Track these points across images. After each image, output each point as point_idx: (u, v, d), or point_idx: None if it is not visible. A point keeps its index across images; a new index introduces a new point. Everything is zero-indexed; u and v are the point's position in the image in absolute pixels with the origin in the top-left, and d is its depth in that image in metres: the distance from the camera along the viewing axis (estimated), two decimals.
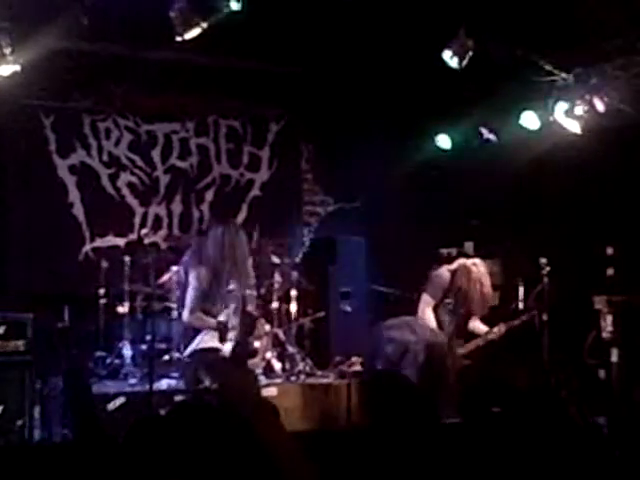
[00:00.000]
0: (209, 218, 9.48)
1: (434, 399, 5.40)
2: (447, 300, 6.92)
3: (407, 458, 3.12)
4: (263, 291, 8.02)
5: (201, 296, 6.25)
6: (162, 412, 5.90)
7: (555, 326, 7.36)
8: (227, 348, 6.16)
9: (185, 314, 6.31)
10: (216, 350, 6.19)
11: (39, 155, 8.85)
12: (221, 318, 6.23)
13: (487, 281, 6.98)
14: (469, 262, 7.02)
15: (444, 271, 7.05)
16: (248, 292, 6.42)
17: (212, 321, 6.25)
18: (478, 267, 6.96)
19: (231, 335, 6.20)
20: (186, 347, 6.38)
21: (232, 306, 6.22)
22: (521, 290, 7.79)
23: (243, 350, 6.30)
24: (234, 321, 6.20)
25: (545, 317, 7.33)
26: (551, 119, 7.81)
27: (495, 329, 7.00)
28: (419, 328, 6.60)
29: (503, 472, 3.32)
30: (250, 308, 6.64)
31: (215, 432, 2.94)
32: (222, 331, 6.20)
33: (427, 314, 6.83)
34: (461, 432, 3.65)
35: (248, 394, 4.64)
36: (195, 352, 6.29)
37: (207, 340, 6.24)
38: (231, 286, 6.25)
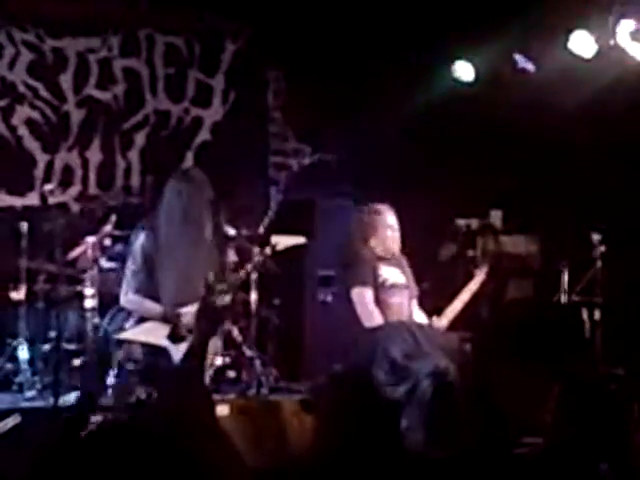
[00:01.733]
0: (142, 171, 9.49)
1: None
2: (380, 278, 6.99)
3: None
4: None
5: (141, 270, 6.28)
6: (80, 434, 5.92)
7: (611, 326, 7.45)
8: (178, 350, 6.19)
9: (120, 296, 6.38)
10: (158, 350, 6.20)
11: None
12: (183, 310, 6.21)
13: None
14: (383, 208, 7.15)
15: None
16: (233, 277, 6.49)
17: (157, 308, 6.25)
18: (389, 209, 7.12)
19: (188, 334, 6.19)
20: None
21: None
22: (565, 277, 7.87)
23: (198, 355, 6.35)
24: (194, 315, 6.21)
25: (597, 315, 7.42)
26: (611, 43, 7.84)
27: (478, 272, 7.17)
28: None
29: None
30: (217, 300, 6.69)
31: (145, 467, 2.97)
32: (176, 326, 6.19)
33: (371, 310, 6.86)
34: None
35: (200, 419, 4.65)
36: (123, 342, 6.33)
37: (147, 332, 6.26)
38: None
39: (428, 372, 6.14)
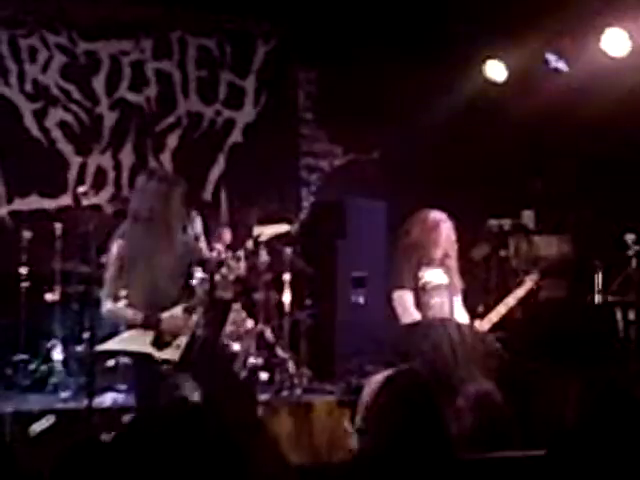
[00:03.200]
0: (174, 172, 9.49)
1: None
2: (421, 280, 6.95)
3: None
4: (244, 275, 8.03)
5: (118, 276, 6.02)
6: (105, 437, 5.92)
7: None
8: (163, 356, 5.96)
9: (102, 303, 6.11)
10: (145, 357, 5.94)
11: None
12: (164, 315, 5.97)
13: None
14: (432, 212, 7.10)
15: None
16: (218, 275, 6.28)
17: (138, 315, 5.96)
18: (442, 218, 7.05)
19: (172, 339, 5.97)
20: None
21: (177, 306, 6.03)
22: (599, 277, 7.81)
23: (216, 348, 6.28)
24: (178, 319, 5.97)
25: (632, 315, 7.36)
26: None
27: (528, 280, 7.08)
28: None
29: None
30: (223, 294, 6.62)
31: (190, 464, 2.94)
32: (159, 332, 5.94)
33: (411, 313, 6.82)
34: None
35: (244, 415, 4.64)
36: (95, 352, 6.22)
37: (130, 341, 6.02)
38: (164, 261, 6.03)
39: (471, 394, 6.11)
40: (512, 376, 6.53)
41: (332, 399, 7.73)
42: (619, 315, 7.90)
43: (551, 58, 8.63)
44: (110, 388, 7.33)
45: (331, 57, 9.83)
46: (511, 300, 6.95)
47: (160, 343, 5.96)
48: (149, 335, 5.96)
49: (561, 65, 8.60)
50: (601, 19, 8.10)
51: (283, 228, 8.28)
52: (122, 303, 6.01)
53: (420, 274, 6.78)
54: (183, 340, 6.00)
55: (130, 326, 6.00)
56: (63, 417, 6.75)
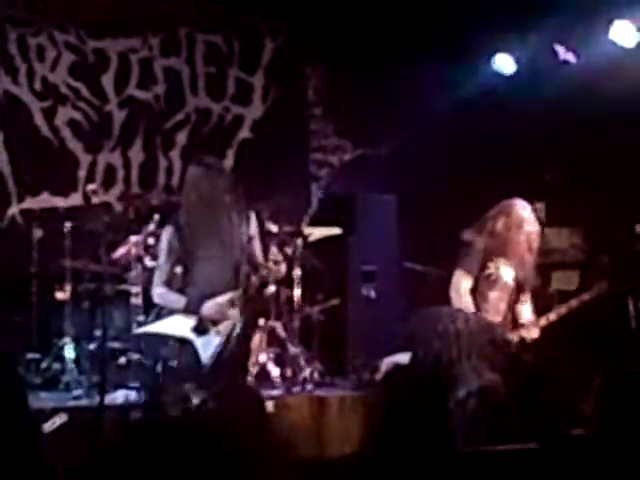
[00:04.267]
0: (183, 170, 9.49)
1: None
2: (488, 270, 6.87)
3: None
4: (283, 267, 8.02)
5: (167, 263, 6.24)
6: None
7: None
8: (203, 342, 6.06)
9: (152, 288, 6.36)
10: (184, 342, 6.08)
11: None
12: (207, 303, 6.09)
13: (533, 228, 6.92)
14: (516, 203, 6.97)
15: (473, 230, 6.96)
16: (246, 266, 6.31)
17: (181, 300, 6.16)
18: (526, 210, 6.91)
19: (213, 326, 6.10)
20: None
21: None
22: (610, 268, 7.79)
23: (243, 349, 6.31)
24: (221, 307, 6.09)
25: None
26: None
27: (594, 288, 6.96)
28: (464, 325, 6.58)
29: None
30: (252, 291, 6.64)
31: (202, 465, 2.95)
32: (200, 318, 6.08)
33: (461, 296, 6.77)
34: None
35: (255, 421, 4.61)
36: (143, 336, 6.33)
37: (170, 325, 6.17)
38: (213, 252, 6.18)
39: (474, 390, 6.09)
40: (521, 369, 6.53)
41: (344, 394, 7.73)
42: (631, 305, 7.88)
43: (560, 49, 8.59)
44: (122, 385, 7.34)
45: (338, 52, 9.81)
46: (574, 303, 6.85)
47: (200, 329, 6.08)
48: (191, 320, 6.10)
49: (570, 57, 8.57)
50: (609, 11, 8.06)
51: (334, 231, 8.31)
52: (164, 289, 6.23)
53: (489, 263, 6.71)
54: (222, 328, 6.11)
55: (173, 311, 6.19)
56: (75, 415, 6.77)
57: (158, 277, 6.28)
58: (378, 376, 7.43)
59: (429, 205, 9.42)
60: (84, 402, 7.20)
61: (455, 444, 3.51)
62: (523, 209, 6.78)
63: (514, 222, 6.72)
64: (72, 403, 7.21)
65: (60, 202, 9.16)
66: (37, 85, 9.20)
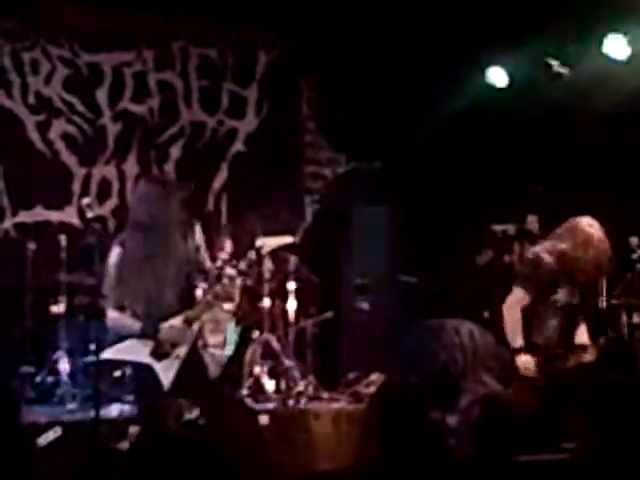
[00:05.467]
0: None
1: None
2: (557, 295, 6.63)
3: None
4: (249, 283, 8.05)
5: (118, 285, 5.97)
6: (120, 446, 5.93)
7: None
8: (162, 367, 5.91)
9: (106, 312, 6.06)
10: (142, 367, 5.91)
11: None
12: (164, 325, 5.89)
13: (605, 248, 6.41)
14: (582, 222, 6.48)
15: (544, 249, 6.50)
16: (219, 286, 6.07)
17: (136, 324, 5.92)
18: (593, 227, 6.43)
19: (171, 350, 5.89)
20: None
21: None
22: (604, 281, 7.80)
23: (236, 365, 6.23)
24: (178, 329, 5.89)
25: (637, 318, 7.35)
26: None
27: None
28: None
29: None
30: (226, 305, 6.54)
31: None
32: (158, 342, 5.88)
33: (512, 315, 6.37)
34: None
35: (246, 440, 4.62)
36: (100, 362, 6.11)
37: (129, 350, 5.97)
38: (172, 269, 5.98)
39: (478, 398, 6.08)
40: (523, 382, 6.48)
41: (339, 407, 7.73)
42: (624, 318, 7.89)
43: (553, 63, 8.62)
44: (116, 399, 7.32)
45: (333, 65, 9.84)
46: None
47: (159, 353, 5.91)
48: (149, 345, 5.92)
49: (564, 70, 8.60)
50: (602, 25, 8.10)
51: (286, 240, 8.28)
52: (125, 312, 5.98)
53: (555, 289, 6.37)
54: (182, 351, 5.95)
55: (129, 336, 5.94)
56: (70, 429, 6.76)
57: (110, 301, 5.99)
58: (372, 389, 7.47)
59: (423, 218, 9.44)
60: (79, 416, 7.18)
61: (451, 456, 3.52)
62: (589, 227, 6.41)
63: (580, 242, 6.34)
64: (67, 417, 7.19)
65: (54, 216, 9.16)
66: (31, 99, 9.21)
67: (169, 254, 5.99)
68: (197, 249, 6.19)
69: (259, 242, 7.78)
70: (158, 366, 5.90)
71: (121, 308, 5.99)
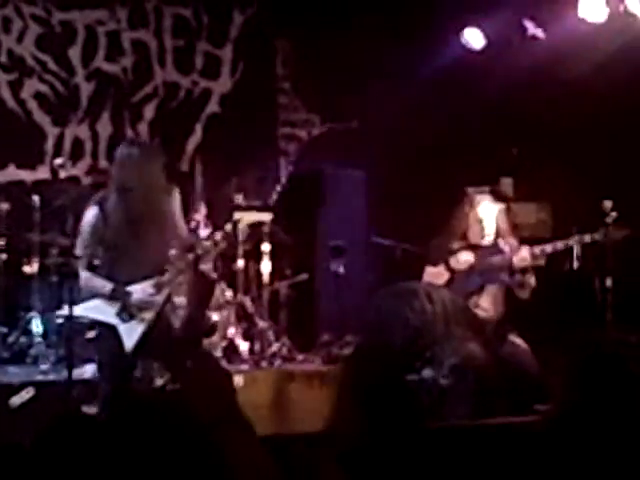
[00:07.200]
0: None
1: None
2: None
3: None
4: (223, 245, 8.01)
5: (92, 245, 5.91)
6: (86, 409, 5.94)
7: (623, 294, 7.42)
8: (127, 328, 5.86)
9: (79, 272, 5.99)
10: (108, 327, 5.87)
11: None
12: (132, 287, 5.85)
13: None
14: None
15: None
16: (201, 248, 6.20)
17: (106, 286, 5.87)
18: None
19: (139, 312, 5.87)
20: None
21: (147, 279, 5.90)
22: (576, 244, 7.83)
23: (196, 327, 6.24)
24: (148, 293, 5.86)
25: (609, 282, 7.39)
26: (620, 8, 7.78)
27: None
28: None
29: None
30: (205, 268, 6.55)
31: (168, 445, 2.94)
32: (124, 304, 5.84)
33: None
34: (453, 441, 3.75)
35: (221, 400, 4.62)
36: (66, 319, 6.12)
37: (95, 309, 5.93)
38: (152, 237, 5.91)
39: (453, 364, 6.14)
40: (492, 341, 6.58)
41: (313, 368, 7.76)
42: (597, 282, 7.94)
43: (528, 25, 8.61)
44: (90, 360, 7.32)
45: (309, 25, 9.79)
46: (560, 245, 6.90)
47: (125, 315, 5.89)
48: (115, 306, 5.89)
49: (539, 32, 8.58)
50: None
51: (265, 217, 8.28)
52: (88, 273, 5.93)
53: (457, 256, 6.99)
54: (148, 315, 5.92)
55: (98, 295, 5.93)
56: (43, 389, 6.76)
57: (81, 261, 5.94)
58: (346, 351, 7.50)
59: (398, 181, 9.44)
60: (52, 376, 7.18)
61: (425, 419, 3.54)
62: (486, 196, 7.12)
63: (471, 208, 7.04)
64: (40, 377, 7.20)
65: (27, 175, 9.10)
66: (3, 57, 9.13)
67: (152, 218, 5.94)
68: (175, 214, 6.15)
69: (237, 216, 7.76)
70: (122, 327, 5.87)
71: (93, 268, 5.94)
